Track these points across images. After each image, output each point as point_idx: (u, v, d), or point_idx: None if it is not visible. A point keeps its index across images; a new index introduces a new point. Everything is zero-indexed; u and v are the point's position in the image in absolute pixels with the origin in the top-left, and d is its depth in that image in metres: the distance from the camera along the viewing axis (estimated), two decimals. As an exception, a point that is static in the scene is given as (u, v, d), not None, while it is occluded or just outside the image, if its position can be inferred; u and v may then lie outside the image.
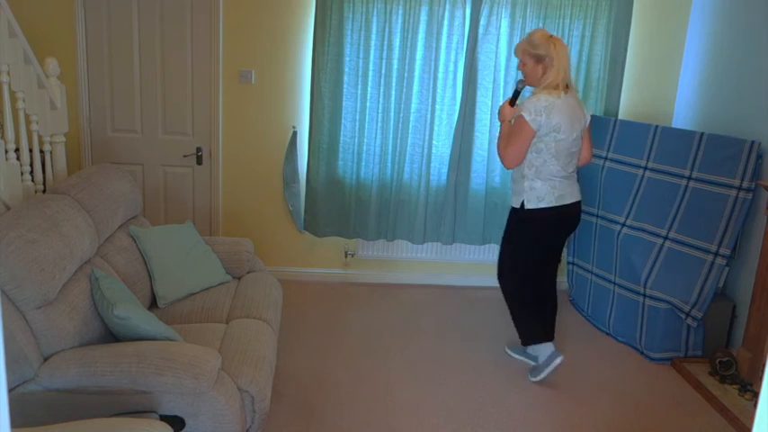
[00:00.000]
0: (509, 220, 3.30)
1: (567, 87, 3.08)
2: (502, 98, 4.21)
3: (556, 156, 3.08)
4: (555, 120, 3.02)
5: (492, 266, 4.58)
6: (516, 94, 3.16)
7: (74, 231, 2.52)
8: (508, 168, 3.12)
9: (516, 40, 4.13)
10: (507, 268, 3.34)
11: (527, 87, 3.23)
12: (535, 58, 3.05)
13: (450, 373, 3.37)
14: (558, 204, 3.14)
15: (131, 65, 4.15)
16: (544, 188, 3.10)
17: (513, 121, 3.13)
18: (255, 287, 3.23)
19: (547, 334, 3.33)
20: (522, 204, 3.14)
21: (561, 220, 3.21)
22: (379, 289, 4.47)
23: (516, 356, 3.56)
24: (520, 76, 3.27)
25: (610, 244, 3.93)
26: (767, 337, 3.22)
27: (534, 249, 3.27)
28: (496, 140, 3.26)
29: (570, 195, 3.17)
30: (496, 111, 3.21)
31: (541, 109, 3.00)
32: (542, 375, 3.29)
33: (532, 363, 3.43)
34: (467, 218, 4.38)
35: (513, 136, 3.06)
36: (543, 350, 3.32)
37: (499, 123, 3.23)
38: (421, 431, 2.85)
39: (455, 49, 4.14)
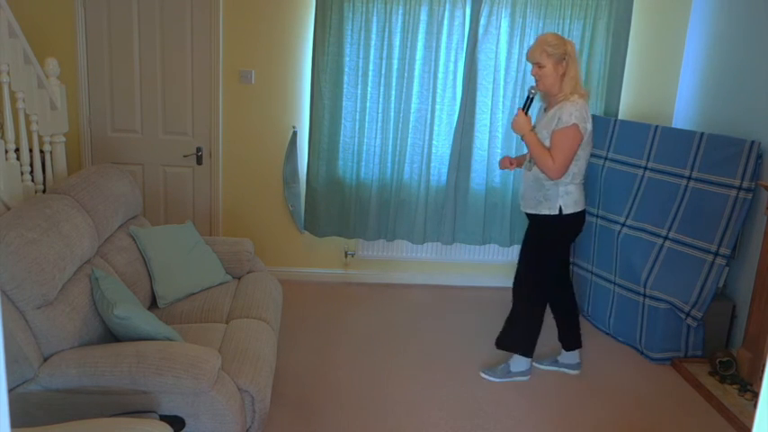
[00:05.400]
0: (536, 228, 3.18)
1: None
2: (502, 98, 4.21)
3: (586, 162, 3.10)
4: (590, 126, 3.02)
5: (492, 266, 4.60)
6: (529, 101, 3.05)
7: (74, 231, 2.52)
8: (556, 179, 3.00)
9: (516, 40, 4.13)
10: (527, 276, 3.26)
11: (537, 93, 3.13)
12: (555, 58, 2.96)
13: (450, 373, 3.37)
14: (584, 207, 3.18)
15: (131, 65, 4.15)
16: (577, 192, 3.09)
17: (534, 130, 3.04)
18: (255, 287, 3.23)
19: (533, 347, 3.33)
20: (560, 210, 3.07)
21: (582, 223, 3.21)
22: (379, 289, 4.47)
23: (546, 368, 3.48)
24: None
25: (610, 244, 3.93)
26: (767, 337, 3.22)
27: (561, 252, 3.27)
28: (529, 153, 3.06)
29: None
30: (510, 122, 2.94)
31: (587, 116, 3.00)
32: (498, 379, 3.33)
33: (570, 371, 3.44)
34: (467, 218, 4.38)
35: (562, 144, 2.96)
36: (524, 362, 3.33)
37: (518, 134, 3.08)
38: (420, 431, 2.85)
39: (455, 49, 4.14)
